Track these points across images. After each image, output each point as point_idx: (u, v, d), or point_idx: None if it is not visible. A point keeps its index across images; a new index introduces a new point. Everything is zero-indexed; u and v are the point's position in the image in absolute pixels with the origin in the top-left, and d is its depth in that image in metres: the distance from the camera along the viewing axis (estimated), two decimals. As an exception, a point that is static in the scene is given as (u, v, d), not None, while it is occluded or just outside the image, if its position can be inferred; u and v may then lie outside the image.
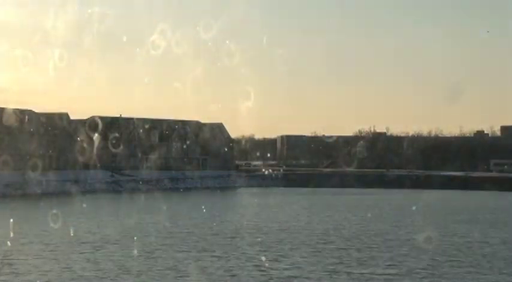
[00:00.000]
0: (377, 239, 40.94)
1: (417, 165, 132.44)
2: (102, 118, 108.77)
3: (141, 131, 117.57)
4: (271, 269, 30.22)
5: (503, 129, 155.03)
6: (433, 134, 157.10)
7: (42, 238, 40.49)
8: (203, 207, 63.46)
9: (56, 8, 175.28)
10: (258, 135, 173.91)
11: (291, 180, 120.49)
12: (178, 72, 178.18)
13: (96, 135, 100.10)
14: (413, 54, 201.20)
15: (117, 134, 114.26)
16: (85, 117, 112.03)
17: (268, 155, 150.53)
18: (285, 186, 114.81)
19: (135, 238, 40.03)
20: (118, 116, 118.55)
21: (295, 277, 28.37)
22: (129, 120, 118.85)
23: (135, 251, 34.56)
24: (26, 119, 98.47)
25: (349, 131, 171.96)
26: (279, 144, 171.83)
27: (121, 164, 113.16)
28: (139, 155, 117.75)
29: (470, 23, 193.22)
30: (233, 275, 28.88)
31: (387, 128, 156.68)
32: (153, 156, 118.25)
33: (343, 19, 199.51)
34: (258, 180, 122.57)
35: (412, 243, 38.80)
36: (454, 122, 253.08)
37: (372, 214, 58.56)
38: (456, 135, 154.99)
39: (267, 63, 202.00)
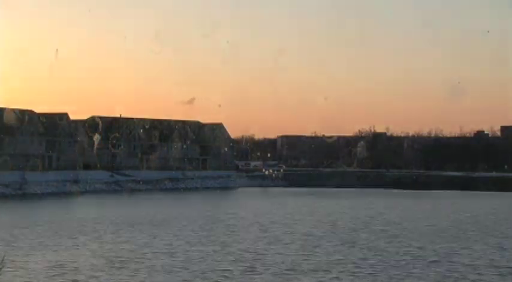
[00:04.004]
0: None
1: (417, 165, 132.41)
2: (102, 118, 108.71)
3: (141, 131, 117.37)
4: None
5: (503, 129, 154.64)
6: (433, 134, 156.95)
7: (41, 237, 40.49)
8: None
9: (56, 8, 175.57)
10: (258, 135, 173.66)
11: (291, 180, 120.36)
12: (179, 72, 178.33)
13: (96, 135, 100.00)
14: (413, 54, 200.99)
15: (117, 134, 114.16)
16: (85, 117, 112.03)
17: (268, 155, 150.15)
18: (285, 186, 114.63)
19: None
20: (118, 116, 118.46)
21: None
22: (129, 120, 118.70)
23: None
24: (26, 119, 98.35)
25: (349, 131, 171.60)
26: (279, 144, 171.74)
27: (121, 164, 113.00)
28: (140, 155, 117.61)
29: (471, 23, 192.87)
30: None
31: (387, 128, 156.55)
32: (153, 156, 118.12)
33: (343, 18, 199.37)
34: (258, 180, 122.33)
35: None
36: (454, 122, 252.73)
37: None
38: (456, 135, 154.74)
39: (268, 63, 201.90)
